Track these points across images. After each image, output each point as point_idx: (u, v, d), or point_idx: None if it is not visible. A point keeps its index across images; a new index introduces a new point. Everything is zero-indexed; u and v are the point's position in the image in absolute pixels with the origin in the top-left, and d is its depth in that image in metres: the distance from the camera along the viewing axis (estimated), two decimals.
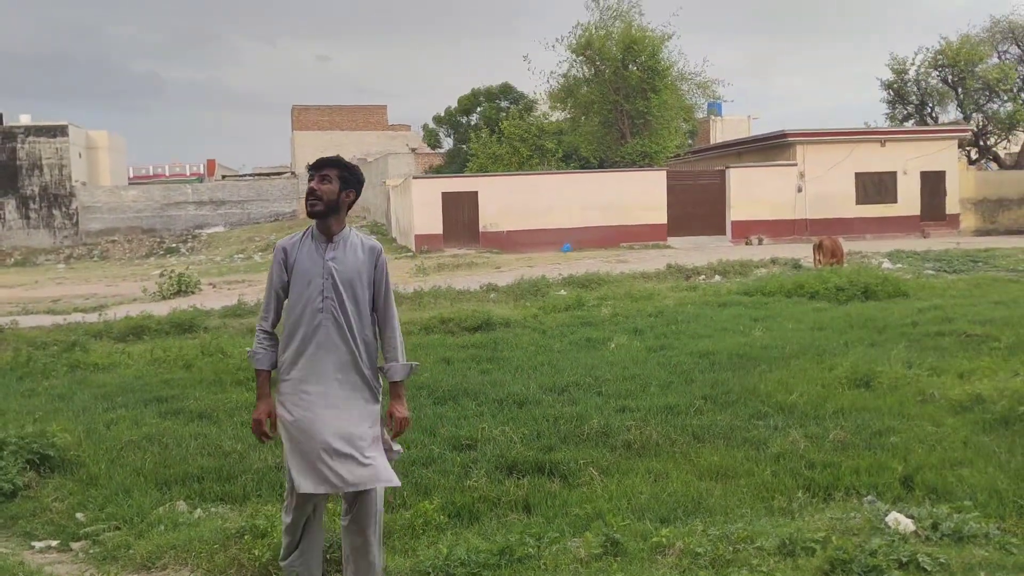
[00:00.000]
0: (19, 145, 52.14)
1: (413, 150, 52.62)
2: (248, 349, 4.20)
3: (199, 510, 5.75)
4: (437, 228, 31.79)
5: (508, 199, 32.13)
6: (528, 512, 5.46)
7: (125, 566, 4.96)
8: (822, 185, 33.80)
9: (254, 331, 13.35)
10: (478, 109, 46.43)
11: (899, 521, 4.46)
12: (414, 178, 34.11)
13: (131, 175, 66.71)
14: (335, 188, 4.02)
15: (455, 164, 44.54)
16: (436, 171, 44.69)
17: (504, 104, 46.62)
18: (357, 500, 3.94)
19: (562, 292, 17.47)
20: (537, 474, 6.09)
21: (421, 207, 31.81)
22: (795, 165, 34.18)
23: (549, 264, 25.26)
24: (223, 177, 61.36)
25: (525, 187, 32.69)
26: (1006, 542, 4.32)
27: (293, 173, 57.30)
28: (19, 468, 6.53)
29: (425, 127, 48.93)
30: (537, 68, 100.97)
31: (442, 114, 47.84)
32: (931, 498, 5.27)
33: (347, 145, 56.24)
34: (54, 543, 5.61)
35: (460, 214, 31.91)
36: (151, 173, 69.12)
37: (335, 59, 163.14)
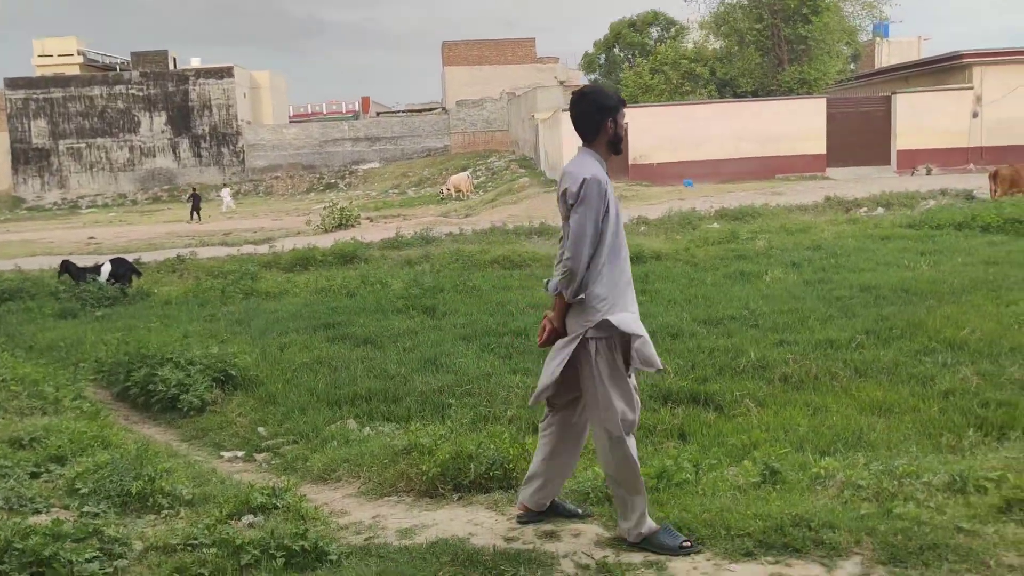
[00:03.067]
0: (191, 87, 55.11)
1: (562, 83, 52.20)
2: (551, 282, 3.91)
3: (367, 428, 6.11)
4: None
5: (659, 130, 31.46)
6: (684, 440, 5.52)
7: (304, 476, 5.36)
8: (1002, 110, 31.30)
9: (412, 262, 13.67)
10: (629, 40, 45.49)
11: None
12: (563, 111, 33.88)
13: (291, 114, 69.42)
14: None
15: None
16: None
17: (654, 32, 45.47)
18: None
19: (715, 225, 17.12)
20: (692, 404, 6.12)
21: (571, 140, 31.54)
22: (971, 89, 31.77)
23: (700, 197, 24.73)
24: (377, 114, 62.94)
25: (677, 118, 31.91)
26: None
27: (444, 109, 58.06)
28: (206, 385, 7.13)
29: (585, 55, 48.54)
30: None
31: (599, 41, 47.22)
32: None
33: (496, 79, 56.40)
34: (240, 453, 6.11)
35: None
36: (309, 112, 71.64)
37: None
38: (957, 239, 13.36)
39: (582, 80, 51.82)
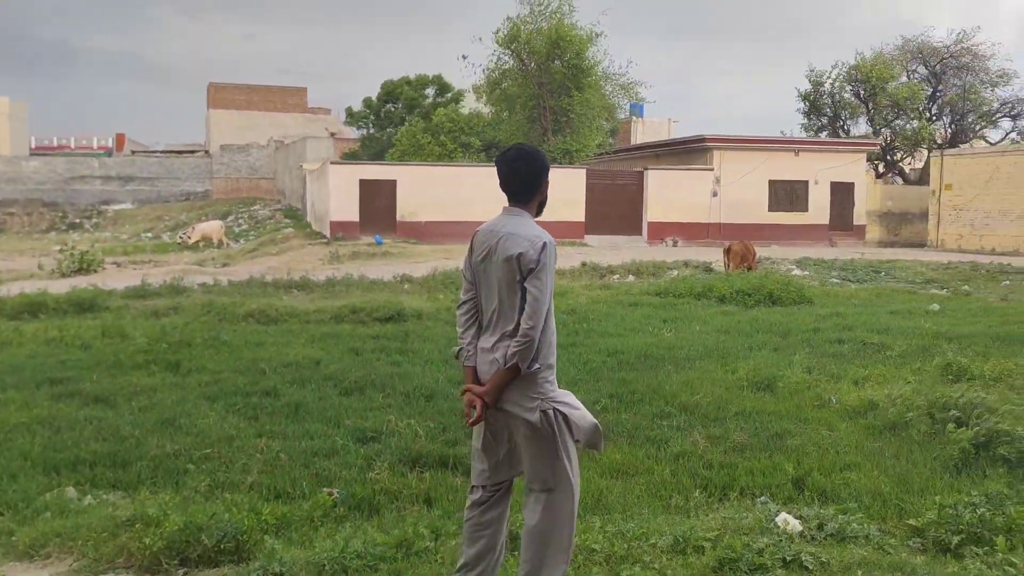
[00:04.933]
0: None
1: (332, 135, 51.89)
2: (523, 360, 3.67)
3: (89, 497, 5.57)
4: (353, 215, 31.41)
5: (427, 189, 31.95)
6: (429, 506, 5.46)
7: (7, 554, 4.77)
8: (737, 191, 34.60)
9: (159, 313, 12.82)
10: (403, 98, 45.98)
11: (788, 521, 4.61)
12: (331, 163, 33.62)
13: (33, 145, 64.05)
14: None
15: (375, 151, 44.07)
16: (355, 157, 44.17)
17: (429, 93, 46.30)
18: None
19: None
20: (441, 468, 6.08)
21: (337, 193, 31.37)
22: (712, 170, 34.90)
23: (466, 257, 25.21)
24: (132, 152, 59.38)
25: (445, 178, 32.55)
26: (885, 542, 4.51)
27: (207, 152, 55.83)
28: None
29: (349, 110, 48.20)
30: (469, 62, 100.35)
31: (372, 99, 47.14)
32: (820, 500, 5.46)
33: (264, 127, 55.14)
34: None
35: (378, 202, 31.58)
36: (55, 144, 66.46)
37: (260, 38, 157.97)
38: (696, 308, 14.40)
39: (353, 133, 51.66)
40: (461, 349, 3.80)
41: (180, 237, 35.35)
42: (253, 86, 58.73)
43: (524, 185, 3.83)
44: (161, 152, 59.55)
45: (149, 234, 42.80)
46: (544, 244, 3.64)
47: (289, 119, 56.70)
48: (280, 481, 5.72)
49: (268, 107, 57.59)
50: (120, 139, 64.73)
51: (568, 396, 3.80)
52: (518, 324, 3.62)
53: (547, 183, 3.89)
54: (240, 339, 10.91)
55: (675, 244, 32.88)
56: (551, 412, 3.64)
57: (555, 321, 3.80)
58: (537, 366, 3.64)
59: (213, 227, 35.39)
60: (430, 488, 5.66)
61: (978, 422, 6.09)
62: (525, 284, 3.61)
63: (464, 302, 3.88)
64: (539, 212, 3.93)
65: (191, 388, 8.31)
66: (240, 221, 43.14)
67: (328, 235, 31.57)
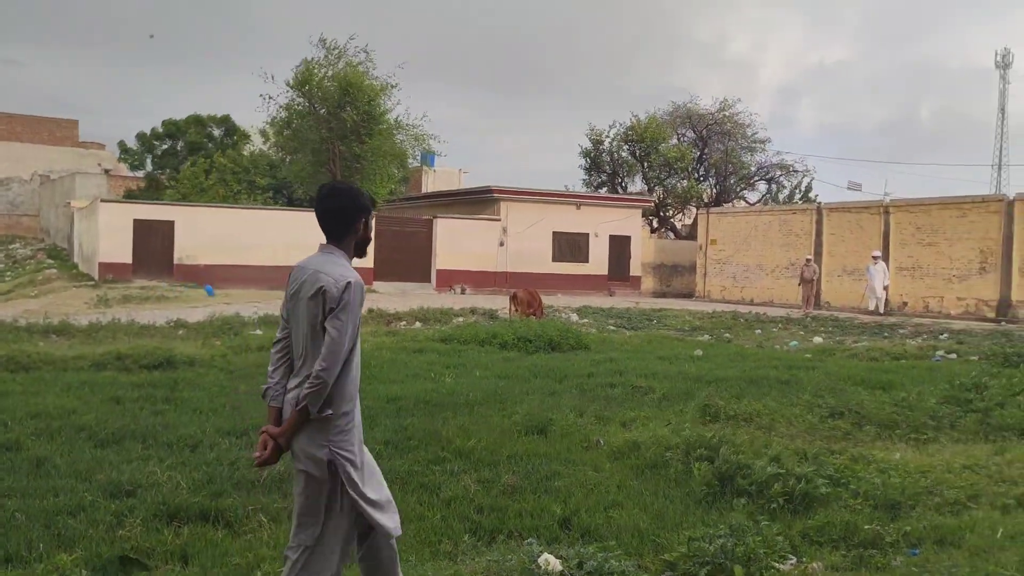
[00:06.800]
0: None
1: (107, 171, 48.86)
2: (291, 394, 3.67)
3: None
4: (126, 257, 29.60)
5: (208, 231, 30.69)
6: (185, 563, 5.14)
7: None
8: (522, 241, 35.72)
9: None
10: (186, 135, 44.07)
11: (549, 562, 4.71)
12: (102, 201, 31.61)
13: None
14: None
15: (154, 190, 41.86)
16: (132, 196, 41.76)
17: (216, 133, 44.70)
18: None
19: (258, 332, 16.87)
20: (201, 522, 5.76)
21: (108, 233, 29.48)
22: (499, 220, 35.86)
23: (247, 302, 24.35)
24: None
25: (228, 220, 31.44)
26: None
27: None
28: None
29: (121, 144, 45.34)
30: (264, 99, 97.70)
31: (147, 133, 44.71)
32: (585, 538, 5.63)
33: (28, 159, 51.05)
34: None
35: (153, 243, 29.96)
36: None
37: (26, 65, 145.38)
38: (479, 354, 14.59)
39: (128, 171, 48.86)
40: (268, 388, 3.73)
41: None
42: (15, 115, 54.25)
43: (337, 222, 3.80)
44: None
45: None
46: (348, 283, 3.58)
47: (57, 152, 52.75)
48: (13, 544, 5.20)
49: (33, 138, 53.34)
50: None
51: (372, 472, 3.82)
52: None
53: (365, 224, 3.86)
54: None
55: (463, 291, 33.36)
56: (336, 461, 3.56)
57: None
58: (329, 412, 3.55)
59: None
60: (187, 544, 5.35)
61: (723, 458, 6.52)
62: (325, 324, 3.55)
63: (278, 340, 3.82)
64: (360, 253, 3.92)
65: None
66: None
67: (96, 277, 29.53)
